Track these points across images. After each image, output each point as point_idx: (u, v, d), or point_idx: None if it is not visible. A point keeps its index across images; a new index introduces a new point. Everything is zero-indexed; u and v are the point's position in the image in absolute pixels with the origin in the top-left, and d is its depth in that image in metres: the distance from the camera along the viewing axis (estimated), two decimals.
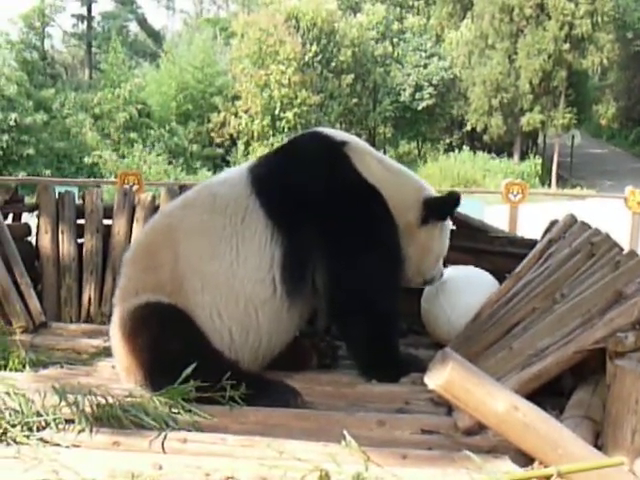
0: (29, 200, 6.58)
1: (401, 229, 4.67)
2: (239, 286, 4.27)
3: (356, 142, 4.80)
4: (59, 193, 6.18)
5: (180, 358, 3.80)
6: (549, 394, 3.51)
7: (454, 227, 5.90)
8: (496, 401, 2.64)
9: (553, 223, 5.43)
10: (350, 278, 4.44)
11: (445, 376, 2.65)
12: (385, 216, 4.61)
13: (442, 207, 4.80)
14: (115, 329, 4.29)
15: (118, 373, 4.37)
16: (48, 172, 35.51)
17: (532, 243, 5.43)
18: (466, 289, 5.13)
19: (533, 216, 13.83)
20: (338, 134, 4.82)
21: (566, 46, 42.50)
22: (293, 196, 4.45)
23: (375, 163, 4.71)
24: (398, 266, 4.71)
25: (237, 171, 4.77)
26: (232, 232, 4.33)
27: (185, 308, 4.18)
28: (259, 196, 4.42)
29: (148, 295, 4.19)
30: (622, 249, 4.31)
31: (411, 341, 5.30)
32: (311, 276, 4.46)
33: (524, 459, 2.79)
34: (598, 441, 2.93)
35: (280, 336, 4.48)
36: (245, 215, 4.37)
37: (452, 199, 4.81)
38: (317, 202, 4.45)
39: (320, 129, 4.93)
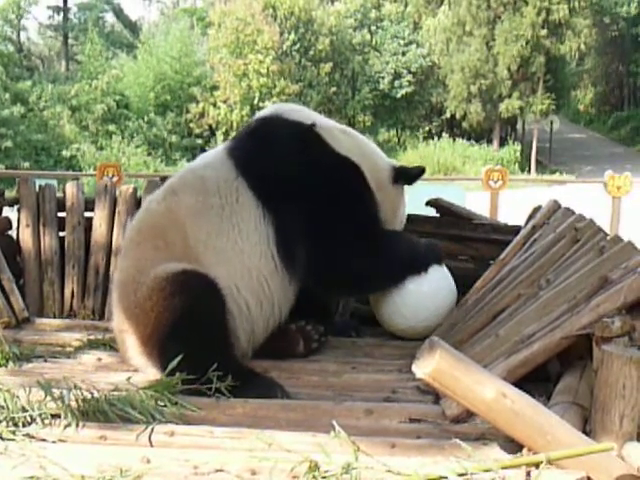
0: (9, 194, 6.52)
1: (376, 192, 4.93)
2: (248, 260, 4.45)
3: (321, 120, 5.01)
4: (39, 186, 6.11)
5: (205, 329, 4.05)
6: (536, 380, 3.51)
7: (438, 215, 5.93)
8: (484, 388, 2.64)
9: (536, 209, 5.43)
10: (330, 253, 4.68)
11: (433, 364, 2.64)
12: (361, 185, 4.86)
13: (410, 172, 5.14)
14: (138, 298, 4.23)
15: (106, 365, 4.43)
16: (26, 165, 35.34)
17: (516, 229, 5.45)
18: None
19: (513, 202, 13.89)
20: (304, 116, 4.94)
21: (543, 32, 42.64)
22: (274, 178, 4.62)
23: (345, 138, 4.95)
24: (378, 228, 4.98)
25: (215, 155, 4.91)
26: (231, 211, 4.49)
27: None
28: (245, 178, 4.58)
29: (171, 264, 4.22)
30: (607, 234, 4.30)
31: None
32: (299, 253, 4.62)
33: (512, 446, 2.79)
34: (586, 427, 2.93)
35: (287, 307, 4.69)
36: (238, 196, 4.54)
37: (419, 168, 5.18)
38: (295, 183, 4.63)
39: (283, 109, 5.00)
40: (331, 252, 4.65)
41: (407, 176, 5.11)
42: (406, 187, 5.15)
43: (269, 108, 5.19)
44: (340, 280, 4.84)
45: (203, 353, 3.84)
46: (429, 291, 4.95)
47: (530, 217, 5.44)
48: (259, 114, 5.17)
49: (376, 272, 4.89)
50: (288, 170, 4.64)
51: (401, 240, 5.01)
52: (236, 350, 4.29)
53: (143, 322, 4.17)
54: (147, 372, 4.18)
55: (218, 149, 4.98)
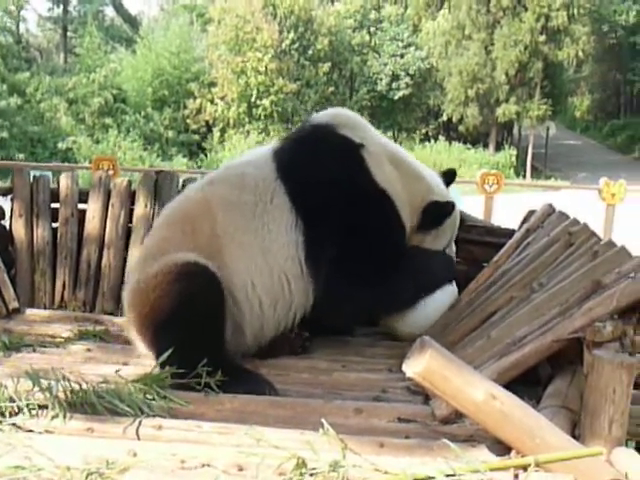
0: (3, 184, 6.49)
1: (407, 227, 4.93)
2: (272, 259, 4.49)
3: (374, 144, 4.90)
4: (34, 177, 6.09)
5: (199, 321, 4.07)
6: (526, 383, 3.50)
7: None
8: (474, 390, 2.64)
9: (531, 213, 5.42)
10: (343, 280, 4.62)
11: (423, 364, 2.64)
12: (393, 221, 4.83)
13: (436, 215, 5.01)
14: (147, 274, 4.29)
15: (95, 357, 4.50)
16: (21, 156, 35.28)
17: (510, 232, 5.42)
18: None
19: (508, 206, 13.86)
20: (357, 133, 4.87)
21: (542, 38, 42.76)
22: (310, 189, 4.63)
23: (389, 166, 4.87)
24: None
25: (260, 154, 4.94)
26: (263, 210, 4.54)
27: (223, 273, 4.30)
28: (284, 182, 4.63)
29: (188, 254, 4.27)
30: (600, 239, 4.29)
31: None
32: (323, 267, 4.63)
33: (501, 448, 2.78)
34: (575, 431, 2.93)
35: (302, 313, 4.68)
36: (273, 196, 4.59)
37: (446, 208, 5.02)
38: (331, 202, 4.64)
39: (339, 120, 4.93)
40: (344, 280, 4.62)
41: (434, 221, 5.03)
42: None
43: (327, 113, 5.08)
44: (349, 307, 4.76)
45: (193, 345, 3.88)
46: (434, 306, 4.96)
47: (524, 220, 5.42)
48: (315, 117, 5.11)
49: (387, 302, 4.90)
50: (323, 185, 4.64)
51: (417, 266, 4.95)
52: (228, 345, 4.28)
53: (143, 301, 4.23)
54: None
55: (265, 148, 5.01)
